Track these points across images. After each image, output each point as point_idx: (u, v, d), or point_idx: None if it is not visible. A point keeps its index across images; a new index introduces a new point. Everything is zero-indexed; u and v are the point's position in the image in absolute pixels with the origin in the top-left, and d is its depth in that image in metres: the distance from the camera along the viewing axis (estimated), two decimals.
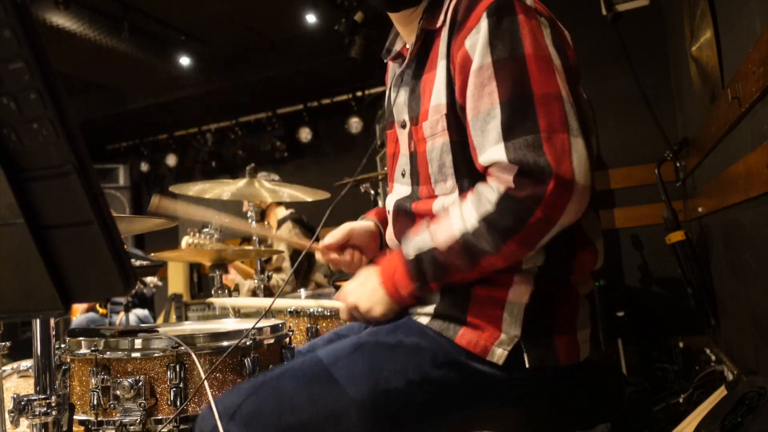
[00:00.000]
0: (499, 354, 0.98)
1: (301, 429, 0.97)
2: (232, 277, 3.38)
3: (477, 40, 0.96)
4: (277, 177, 3.55)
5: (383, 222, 1.32)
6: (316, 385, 0.99)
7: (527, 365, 0.98)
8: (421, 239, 1.01)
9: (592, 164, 0.93)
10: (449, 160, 1.04)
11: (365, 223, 1.32)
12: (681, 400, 2.71)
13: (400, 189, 1.17)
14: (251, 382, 1.06)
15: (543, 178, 0.89)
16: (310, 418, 0.97)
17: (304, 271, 3.40)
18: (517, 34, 0.94)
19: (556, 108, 0.92)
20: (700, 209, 2.85)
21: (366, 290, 1.08)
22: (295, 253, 3.32)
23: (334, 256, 1.28)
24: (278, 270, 3.31)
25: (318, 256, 1.29)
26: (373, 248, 1.33)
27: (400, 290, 1.03)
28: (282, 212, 3.56)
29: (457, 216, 0.97)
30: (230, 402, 1.01)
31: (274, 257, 3.32)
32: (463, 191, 1.03)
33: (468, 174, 1.02)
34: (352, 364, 1.01)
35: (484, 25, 0.96)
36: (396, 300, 1.05)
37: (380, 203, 3.26)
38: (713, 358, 2.92)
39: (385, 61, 1.28)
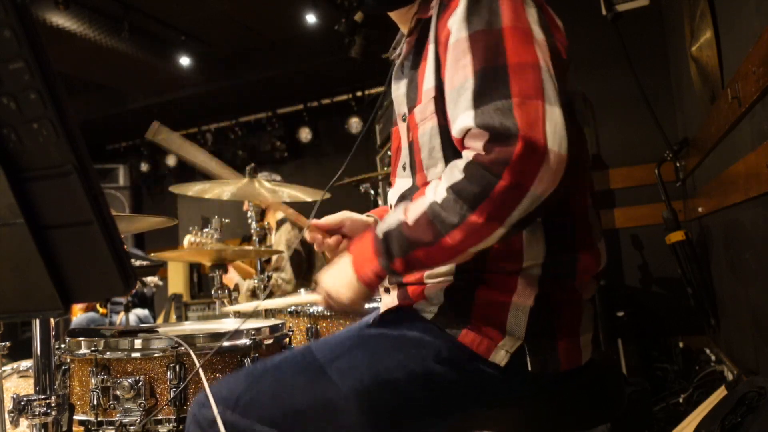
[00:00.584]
0: (501, 356, 0.97)
1: (299, 417, 0.96)
2: (230, 276, 3.38)
3: (456, 17, 0.95)
4: (278, 177, 3.55)
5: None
6: (316, 373, 0.98)
7: (529, 369, 0.97)
8: (393, 216, 0.97)
9: (571, 134, 0.87)
10: (438, 143, 1.01)
11: (362, 216, 1.30)
12: (681, 400, 2.71)
13: (401, 183, 1.16)
14: (248, 370, 1.05)
15: (510, 140, 0.83)
16: (308, 407, 0.96)
17: (303, 271, 3.40)
18: (496, 9, 0.92)
19: (531, 75, 0.88)
20: (700, 209, 2.85)
21: (337, 274, 1.03)
22: (294, 253, 3.31)
23: (319, 237, 1.24)
24: (278, 270, 3.31)
25: (306, 235, 1.27)
26: None
27: (365, 268, 0.97)
28: (281, 213, 3.56)
29: (430, 190, 0.94)
30: (227, 389, 1.00)
31: (274, 257, 3.32)
32: None
33: (455, 157, 0.98)
34: (352, 355, 1.00)
35: (463, 2, 0.95)
36: (363, 280, 0.98)
37: (380, 203, 3.26)
38: (713, 358, 2.92)
39: (390, 59, 1.28)
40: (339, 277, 1.02)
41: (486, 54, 0.90)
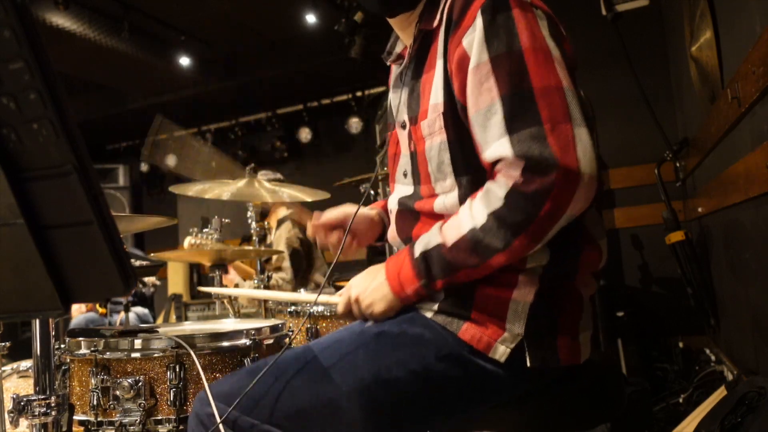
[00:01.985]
0: (501, 351, 0.98)
1: (300, 416, 0.97)
2: (231, 277, 3.38)
3: (473, 38, 0.96)
4: (279, 175, 3.54)
5: (386, 210, 1.31)
6: (316, 372, 0.99)
7: (528, 364, 0.97)
8: (429, 237, 1.01)
9: (596, 153, 0.92)
10: (447, 158, 1.04)
11: (366, 210, 1.31)
12: (681, 400, 2.71)
13: (402, 189, 1.17)
14: (250, 368, 1.06)
15: (549, 170, 0.88)
16: (309, 405, 0.97)
17: (303, 270, 3.40)
18: (513, 29, 0.94)
19: (557, 99, 0.92)
20: (700, 209, 2.85)
21: (370, 285, 1.06)
22: (294, 253, 3.30)
23: (321, 234, 1.26)
24: (278, 270, 3.30)
25: (308, 230, 1.26)
26: (369, 236, 1.32)
27: (405, 287, 1.02)
28: (282, 212, 3.55)
29: (466, 214, 0.97)
30: (228, 386, 1.01)
31: (274, 257, 3.31)
32: (461, 189, 1.03)
33: (466, 172, 1.02)
34: (353, 353, 1.01)
35: (479, 22, 0.96)
36: (400, 297, 1.04)
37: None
38: (713, 358, 2.92)
39: (387, 63, 1.28)
40: (374, 291, 1.05)
41: (510, 78, 0.93)
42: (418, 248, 1.01)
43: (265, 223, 3.56)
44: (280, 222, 3.46)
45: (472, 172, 1.02)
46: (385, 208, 1.33)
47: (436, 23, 1.06)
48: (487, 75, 0.95)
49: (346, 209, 1.27)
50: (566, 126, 0.90)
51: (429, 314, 1.03)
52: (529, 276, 0.99)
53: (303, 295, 1.35)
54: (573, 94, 0.93)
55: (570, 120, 0.91)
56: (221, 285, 2.30)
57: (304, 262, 3.39)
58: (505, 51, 0.94)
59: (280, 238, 3.34)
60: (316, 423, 0.97)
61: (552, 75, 0.93)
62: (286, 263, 3.27)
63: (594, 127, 1.07)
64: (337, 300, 1.12)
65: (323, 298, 1.23)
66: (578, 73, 1.04)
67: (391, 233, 1.20)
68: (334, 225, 1.26)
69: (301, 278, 3.40)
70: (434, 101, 1.05)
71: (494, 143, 0.94)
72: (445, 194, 1.06)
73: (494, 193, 0.94)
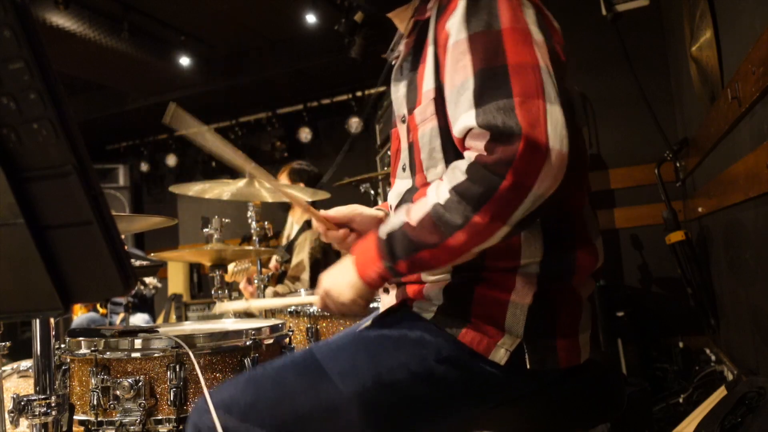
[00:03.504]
0: (501, 354, 0.97)
1: (300, 421, 0.96)
2: (252, 290, 3.25)
3: (455, 19, 0.96)
4: (315, 169, 3.47)
5: None
6: (316, 376, 0.98)
7: (528, 366, 0.97)
8: (396, 218, 0.97)
9: (571, 133, 0.88)
10: (438, 144, 1.02)
11: (373, 210, 1.30)
12: (681, 400, 2.71)
13: (401, 184, 1.16)
14: (249, 374, 1.05)
15: (512, 140, 0.84)
16: (309, 410, 0.96)
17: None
18: (494, 10, 0.93)
19: (531, 75, 0.88)
20: (699, 209, 2.85)
21: (339, 274, 1.04)
22: (315, 263, 3.19)
23: (323, 228, 1.24)
24: (295, 279, 3.20)
25: (314, 224, 1.26)
26: None
27: (369, 270, 0.98)
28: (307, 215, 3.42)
29: (432, 191, 0.94)
30: (228, 394, 1.00)
31: (294, 262, 3.22)
32: None
33: (456, 157, 0.99)
34: (352, 357, 1.00)
35: (461, 4, 0.96)
36: (366, 281, 0.99)
37: (380, 203, 3.22)
38: (713, 358, 2.92)
39: (390, 61, 1.28)
40: (341, 278, 1.02)
41: (486, 54, 0.91)
42: (384, 228, 0.98)
43: (289, 217, 3.48)
44: (302, 229, 3.31)
45: (462, 158, 0.99)
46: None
47: (428, 13, 1.06)
48: (463, 52, 0.93)
49: (354, 208, 1.26)
50: (538, 101, 0.86)
51: (429, 317, 1.03)
52: (527, 278, 0.99)
53: (279, 300, 1.34)
54: (549, 74, 0.90)
55: (543, 96, 0.87)
56: (221, 285, 2.29)
57: (321, 271, 3.25)
58: (484, 29, 0.92)
59: (303, 245, 3.20)
60: (317, 427, 0.96)
61: (529, 53, 0.90)
62: (305, 275, 3.14)
63: (583, 124, 1.05)
64: (315, 298, 1.10)
65: (306, 299, 1.21)
66: (578, 73, 1.04)
67: None
68: (342, 222, 1.25)
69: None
70: (426, 88, 1.04)
71: (461, 116, 0.91)
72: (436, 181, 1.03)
73: (458, 167, 0.91)
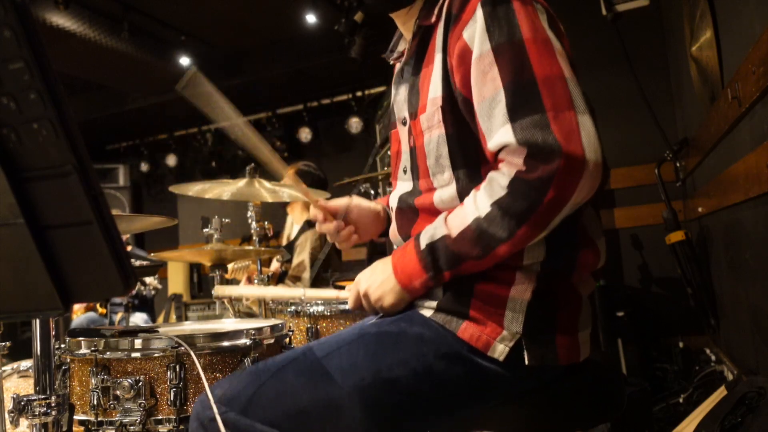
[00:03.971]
0: (500, 350, 0.98)
1: (301, 416, 0.97)
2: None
3: (475, 30, 0.97)
4: (313, 166, 3.47)
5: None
6: (316, 373, 0.99)
7: (527, 362, 0.98)
8: (435, 229, 1.01)
9: (600, 141, 0.92)
10: (445, 151, 1.04)
11: (372, 203, 1.31)
12: (681, 400, 2.71)
13: (402, 186, 1.17)
14: (250, 370, 1.06)
15: (553, 157, 0.87)
16: (309, 406, 0.97)
17: (320, 280, 3.26)
18: (514, 20, 0.94)
19: (560, 87, 0.91)
20: (700, 209, 2.85)
21: (378, 279, 1.07)
22: (316, 264, 3.19)
23: (321, 216, 1.25)
24: (296, 278, 3.20)
25: (311, 212, 1.26)
26: (371, 230, 1.32)
27: (413, 280, 1.02)
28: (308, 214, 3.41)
29: (470, 204, 0.97)
30: (228, 388, 1.01)
31: (295, 262, 3.22)
32: (459, 183, 1.03)
33: (464, 165, 1.03)
34: (354, 353, 1.01)
35: (480, 14, 0.96)
36: (408, 290, 1.04)
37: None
38: (713, 358, 2.92)
39: (389, 62, 1.28)
40: (382, 283, 1.06)
41: (513, 67, 0.93)
42: (424, 240, 1.01)
43: (288, 217, 3.47)
44: (303, 228, 3.31)
45: (469, 166, 1.02)
46: (388, 204, 1.33)
47: (434, 18, 1.07)
48: (490, 65, 0.95)
49: (352, 199, 1.28)
50: (570, 113, 0.90)
51: (428, 313, 1.03)
52: (527, 274, 1.00)
53: (313, 291, 1.34)
54: (575, 83, 0.93)
55: (573, 108, 0.90)
56: (223, 284, 2.29)
57: (321, 271, 3.27)
58: (506, 41, 0.94)
59: (304, 246, 3.20)
60: (317, 423, 0.97)
61: (554, 64, 0.93)
62: (306, 274, 3.14)
63: (596, 120, 1.06)
64: (347, 295, 1.13)
65: (333, 293, 1.23)
66: (578, 73, 1.04)
67: (392, 231, 1.20)
68: (338, 212, 1.27)
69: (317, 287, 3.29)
70: (433, 95, 1.05)
71: (498, 131, 0.93)
72: (443, 188, 1.06)
73: (497, 182, 0.94)
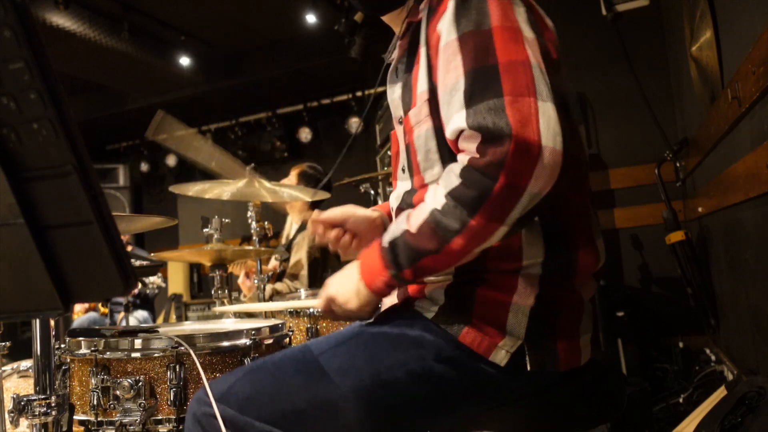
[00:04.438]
0: (501, 356, 0.97)
1: (297, 416, 0.96)
2: (250, 284, 3.25)
3: (445, 20, 0.96)
4: (318, 168, 3.48)
5: (390, 215, 1.32)
6: (315, 372, 0.98)
7: (528, 368, 0.97)
8: (397, 225, 0.98)
9: (565, 130, 0.87)
10: (434, 145, 1.02)
11: (368, 211, 1.30)
12: (681, 400, 2.71)
13: (401, 185, 1.16)
14: (248, 367, 1.05)
15: (502, 140, 0.83)
16: (307, 406, 0.96)
17: (318, 279, 3.27)
18: (484, 10, 0.93)
19: (522, 73, 0.88)
20: (700, 209, 2.85)
21: (344, 281, 1.04)
22: (314, 263, 3.19)
23: (320, 230, 1.25)
24: (294, 277, 3.20)
25: (309, 225, 1.26)
26: (369, 238, 1.29)
27: (375, 279, 0.98)
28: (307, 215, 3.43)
29: (430, 197, 0.94)
30: (226, 386, 1.01)
31: (292, 261, 3.23)
32: None
33: (451, 158, 0.99)
34: (352, 354, 1.00)
35: (451, 5, 0.96)
36: (373, 290, 1.00)
37: (380, 203, 3.21)
38: (713, 358, 2.92)
39: (387, 62, 1.28)
40: (347, 285, 1.03)
41: (476, 54, 0.91)
42: (386, 237, 0.98)
43: (288, 216, 3.47)
44: (300, 228, 3.31)
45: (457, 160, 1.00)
46: (388, 212, 1.33)
47: (420, 14, 1.07)
48: (454, 53, 0.93)
49: (349, 209, 1.27)
50: (529, 99, 0.86)
51: (429, 316, 1.02)
52: (529, 280, 0.99)
53: (278, 303, 1.35)
54: (541, 71, 0.90)
55: (535, 94, 0.87)
56: (221, 285, 2.29)
57: (320, 270, 3.28)
58: (474, 29, 0.92)
59: (302, 245, 3.19)
60: (314, 423, 0.96)
61: (520, 51, 0.90)
62: (304, 272, 3.15)
63: (580, 122, 1.05)
64: (317, 302, 1.11)
65: (306, 302, 1.22)
66: (578, 73, 1.04)
67: None
68: (335, 223, 1.26)
69: (317, 287, 3.30)
70: (420, 89, 1.04)
71: (453, 117, 0.91)
72: (433, 183, 1.03)
73: (453, 172, 0.91)
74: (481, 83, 0.89)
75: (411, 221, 0.95)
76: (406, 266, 0.94)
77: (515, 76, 0.87)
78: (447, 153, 1.00)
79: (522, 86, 0.87)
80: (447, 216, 0.89)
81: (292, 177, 3.38)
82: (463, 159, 0.90)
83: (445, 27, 0.95)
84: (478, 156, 0.87)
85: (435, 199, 0.92)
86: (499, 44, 0.90)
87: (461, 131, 0.89)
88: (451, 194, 0.89)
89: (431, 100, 1.01)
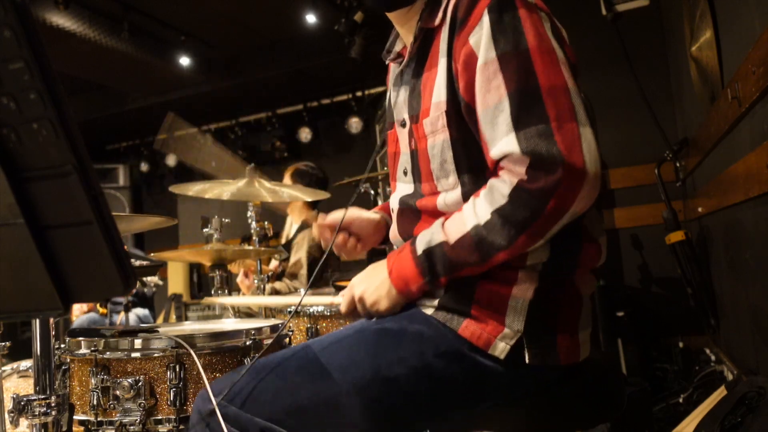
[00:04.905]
0: (501, 348, 0.98)
1: (300, 413, 0.97)
2: (249, 283, 3.26)
3: (481, 37, 0.97)
4: (311, 165, 3.47)
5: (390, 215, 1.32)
6: (316, 369, 0.99)
7: (527, 361, 0.98)
8: (432, 234, 1.01)
9: (600, 153, 0.93)
10: (450, 156, 1.04)
11: (370, 213, 1.32)
12: (681, 400, 2.71)
13: (403, 187, 1.17)
14: (250, 365, 1.06)
15: (555, 167, 0.89)
16: (309, 403, 0.97)
17: (317, 279, 3.27)
18: (520, 28, 0.95)
19: (563, 99, 0.92)
20: (700, 209, 2.85)
21: (373, 283, 1.07)
22: (313, 262, 3.20)
23: (327, 235, 1.27)
24: (293, 276, 3.21)
25: (314, 230, 1.28)
26: (373, 239, 1.33)
27: (409, 285, 1.03)
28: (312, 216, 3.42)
29: (469, 211, 0.98)
30: (228, 383, 1.02)
31: (292, 260, 3.23)
32: (464, 187, 1.03)
33: (468, 170, 1.03)
34: (352, 350, 1.01)
35: (486, 21, 0.97)
36: (404, 294, 1.04)
37: (380, 203, 3.22)
38: (713, 358, 2.92)
39: (386, 62, 1.28)
40: (377, 288, 1.06)
41: (518, 76, 0.94)
42: (420, 245, 1.01)
43: (288, 216, 3.48)
44: (300, 228, 3.32)
45: (474, 170, 1.02)
46: (388, 211, 1.34)
47: (438, 21, 1.07)
48: (495, 72, 0.95)
49: (351, 212, 1.28)
50: (572, 125, 0.91)
51: (429, 311, 1.03)
52: (529, 273, 1.00)
53: (308, 298, 1.35)
54: (578, 95, 0.95)
55: (575, 119, 0.91)
56: (221, 285, 2.29)
57: (320, 270, 3.24)
58: (512, 49, 0.95)
59: (302, 244, 3.19)
60: (316, 420, 0.97)
61: (558, 75, 0.94)
62: (303, 271, 3.16)
63: (596, 128, 1.06)
64: (340, 300, 1.12)
65: (326, 299, 1.23)
66: (579, 78, 1.04)
67: (393, 232, 1.20)
68: (339, 227, 1.27)
69: (316, 286, 3.29)
70: (437, 99, 1.05)
71: (501, 140, 0.94)
72: (447, 192, 1.06)
73: (498, 190, 0.94)
74: (526, 107, 0.92)
75: (448, 232, 0.99)
76: (443, 275, 0.99)
77: (557, 101, 0.92)
78: (464, 164, 1.04)
79: (565, 112, 0.92)
80: (492, 232, 0.94)
81: (287, 179, 3.38)
82: (510, 179, 0.93)
83: (483, 44, 0.97)
84: (526, 179, 0.91)
85: (477, 214, 0.96)
86: (539, 67, 0.94)
87: (509, 154, 0.93)
88: (498, 212, 0.94)
89: (450, 112, 1.03)
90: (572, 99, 0.93)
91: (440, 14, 1.06)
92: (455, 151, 1.04)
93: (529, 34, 0.95)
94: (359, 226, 1.29)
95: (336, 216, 1.27)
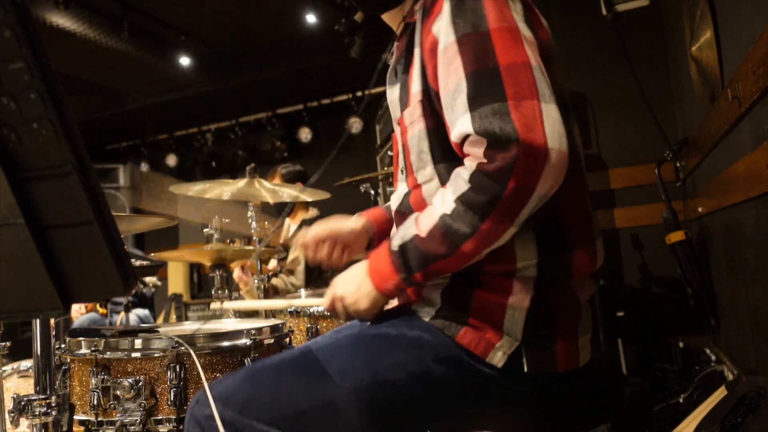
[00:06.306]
0: (499, 357, 0.97)
1: (298, 417, 0.96)
2: (247, 279, 3.27)
3: (442, 23, 0.96)
4: (300, 167, 3.49)
5: (377, 221, 1.32)
6: (314, 373, 0.98)
7: (525, 370, 0.97)
8: (406, 229, 0.99)
9: (568, 131, 0.89)
10: (426, 146, 1.03)
11: (351, 222, 1.31)
12: (681, 400, 2.71)
13: (401, 187, 1.17)
14: (248, 369, 1.06)
15: (510, 146, 0.85)
16: (307, 407, 0.96)
17: (314, 277, 3.29)
18: (480, 11, 0.93)
19: (523, 75, 0.89)
20: (700, 209, 2.85)
21: (353, 282, 1.05)
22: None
23: (312, 252, 1.27)
24: (290, 272, 3.22)
25: (300, 254, 1.29)
26: (357, 248, 1.32)
27: (385, 282, 1.00)
28: (312, 213, 3.45)
29: (438, 201, 0.96)
30: (225, 387, 1.01)
31: (290, 258, 3.24)
32: (440, 177, 1.02)
33: (443, 159, 1.01)
34: (351, 355, 1.00)
35: (447, 7, 0.96)
36: (382, 292, 1.02)
37: (380, 203, 3.22)
38: (713, 358, 2.92)
39: (384, 62, 1.28)
40: (357, 287, 1.04)
41: (476, 56, 0.91)
42: (396, 241, 0.99)
43: (287, 220, 3.50)
44: (304, 223, 3.34)
45: (449, 160, 1.00)
46: (375, 217, 1.34)
47: (416, 15, 1.07)
48: (453, 56, 0.93)
49: (334, 224, 1.28)
50: (532, 102, 0.87)
51: (427, 318, 1.03)
52: (524, 282, 0.98)
53: (304, 300, 1.35)
54: (542, 72, 0.91)
55: (537, 96, 0.88)
56: (221, 285, 2.29)
57: (317, 268, 3.29)
58: (471, 31, 0.92)
59: (299, 243, 3.22)
60: (315, 424, 0.96)
61: (519, 52, 0.91)
62: (301, 267, 3.18)
63: (574, 122, 1.04)
64: (321, 301, 1.11)
65: (310, 300, 1.23)
66: (578, 73, 1.04)
67: (393, 232, 1.20)
68: (324, 239, 1.27)
69: (313, 284, 3.32)
70: (414, 90, 1.04)
71: (458, 121, 0.91)
72: (426, 184, 1.04)
73: (461, 176, 0.92)
74: (483, 86, 0.89)
75: (420, 225, 0.96)
76: (417, 270, 0.96)
77: (517, 78, 0.88)
78: (439, 154, 1.01)
79: (524, 88, 0.88)
80: (457, 221, 0.91)
81: (277, 181, 3.40)
82: (470, 164, 0.91)
83: (443, 30, 0.96)
84: (485, 161, 0.88)
85: (444, 203, 0.94)
86: (499, 46, 0.90)
87: (467, 136, 0.90)
88: (461, 199, 0.91)
89: (424, 101, 1.02)
90: (534, 75, 0.89)
91: (417, 7, 1.06)
92: (431, 140, 1.02)
93: (489, 15, 0.92)
94: (343, 237, 1.28)
95: (317, 231, 1.27)
